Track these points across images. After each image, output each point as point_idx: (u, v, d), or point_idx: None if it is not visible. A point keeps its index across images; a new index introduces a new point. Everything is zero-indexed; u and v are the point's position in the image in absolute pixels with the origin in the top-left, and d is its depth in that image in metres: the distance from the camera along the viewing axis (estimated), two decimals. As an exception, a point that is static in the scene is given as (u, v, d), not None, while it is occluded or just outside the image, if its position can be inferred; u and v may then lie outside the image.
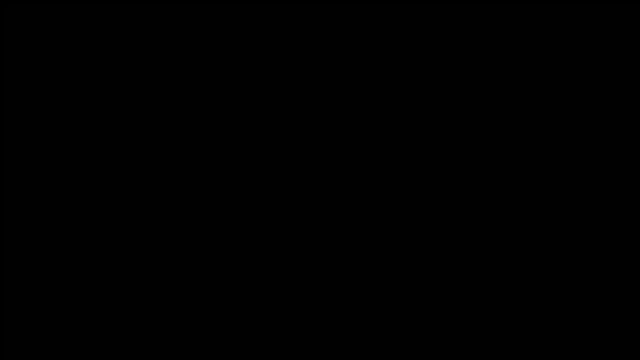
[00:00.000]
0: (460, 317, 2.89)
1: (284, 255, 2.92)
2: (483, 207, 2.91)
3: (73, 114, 2.95)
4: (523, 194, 2.91)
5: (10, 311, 2.91)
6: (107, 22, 2.95)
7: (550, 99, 2.93)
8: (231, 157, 2.94)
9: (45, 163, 2.93)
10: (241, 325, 2.91)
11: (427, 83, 2.94)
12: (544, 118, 2.92)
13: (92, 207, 2.93)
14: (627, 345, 2.86)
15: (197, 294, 2.91)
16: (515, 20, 2.93)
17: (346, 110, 2.95)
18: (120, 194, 2.93)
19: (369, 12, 2.95)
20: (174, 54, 2.95)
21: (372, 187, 2.93)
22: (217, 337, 2.90)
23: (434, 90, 2.94)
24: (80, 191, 2.93)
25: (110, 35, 2.95)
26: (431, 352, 2.88)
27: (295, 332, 2.90)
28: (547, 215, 2.90)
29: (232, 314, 2.91)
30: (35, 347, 2.90)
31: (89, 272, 2.91)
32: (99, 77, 2.95)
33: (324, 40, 2.95)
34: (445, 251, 2.91)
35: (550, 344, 2.87)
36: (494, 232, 2.90)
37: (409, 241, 2.91)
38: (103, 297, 2.91)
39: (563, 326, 2.87)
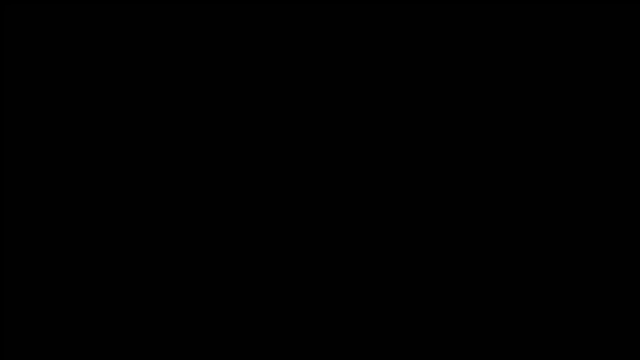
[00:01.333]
0: (461, 317, 2.89)
1: (284, 255, 2.92)
2: (483, 207, 2.92)
3: (73, 113, 2.95)
4: (523, 193, 2.91)
5: (10, 311, 2.91)
6: (107, 22, 2.95)
7: (550, 99, 2.93)
8: (231, 157, 2.95)
9: (45, 163, 2.94)
10: (241, 325, 2.91)
11: (427, 83, 2.95)
12: (544, 118, 2.93)
13: (92, 207, 2.93)
14: (627, 345, 2.86)
15: (197, 294, 2.91)
16: (515, 20, 2.94)
17: (346, 110, 2.95)
18: (120, 193, 2.93)
19: (369, 12, 2.95)
20: (174, 54, 2.96)
21: (372, 187, 2.93)
22: (217, 337, 2.90)
23: (434, 90, 2.95)
24: (80, 191, 2.93)
25: (110, 35, 2.95)
26: (431, 352, 2.88)
27: (296, 332, 2.90)
28: (547, 215, 2.90)
29: (232, 314, 2.91)
30: (35, 347, 2.90)
31: (89, 272, 2.92)
32: (99, 77, 2.96)
33: (324, 40, 2.96)
34: (445, 251, 2.91)
35: (550, 344, 2.88)
36: (494, 232, 2.91)
37: (409, 241, 2.92)
38: (103, 297, 2.91)
39: (563, 326, 2.88)
